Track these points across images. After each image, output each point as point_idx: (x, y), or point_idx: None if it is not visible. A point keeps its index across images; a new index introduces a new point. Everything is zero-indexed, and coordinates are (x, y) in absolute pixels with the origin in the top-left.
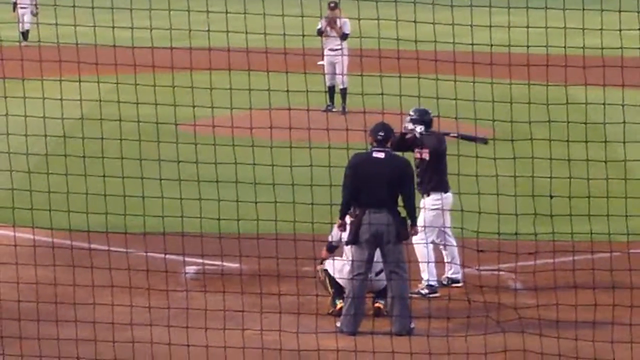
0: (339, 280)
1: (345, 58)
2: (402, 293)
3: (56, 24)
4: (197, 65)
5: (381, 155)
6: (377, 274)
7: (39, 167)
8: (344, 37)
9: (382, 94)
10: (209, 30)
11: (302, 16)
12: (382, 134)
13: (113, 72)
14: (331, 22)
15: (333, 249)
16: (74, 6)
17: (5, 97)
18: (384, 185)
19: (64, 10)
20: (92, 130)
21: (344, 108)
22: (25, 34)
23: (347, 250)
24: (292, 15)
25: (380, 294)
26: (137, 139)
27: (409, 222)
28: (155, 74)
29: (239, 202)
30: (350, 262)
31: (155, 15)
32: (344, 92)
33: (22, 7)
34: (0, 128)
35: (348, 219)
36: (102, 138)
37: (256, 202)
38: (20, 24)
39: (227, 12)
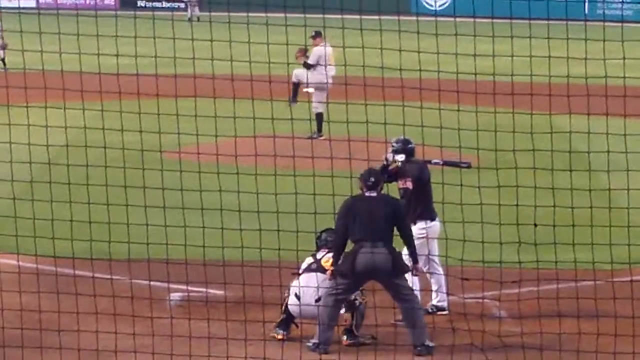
0: (291, 308)
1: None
2: (414, 317)
3: (41, 51)
4: (182, 93)
5: (374, 194)
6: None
7: (24, 193)
8: (305, 65)
9: (366, 122)
10: (193, 58)
11: (288, 44)
12: (373, 179)
13: (98, 98)
14: (301, 51)
15: None
16: (58, 33)
17: None
18: (379, 220)
19: (48, 37)
20: (77, 157)
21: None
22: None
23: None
24: (278, 43)
25: (349, 332)
26: (122, 166)
27: (408, 257)
28: (140, 100)
29: (223, 229)
30: (323, 289)
31: (140, 42)
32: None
33: None
34: None
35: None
36: (87, 165)
37: (241, 230)
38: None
39: (212, 40)
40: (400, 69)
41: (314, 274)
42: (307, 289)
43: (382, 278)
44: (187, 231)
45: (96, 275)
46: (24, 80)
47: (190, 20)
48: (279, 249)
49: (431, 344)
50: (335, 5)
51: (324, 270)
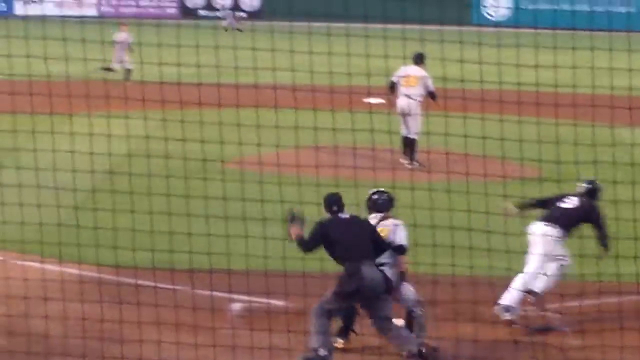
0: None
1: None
2: (403, 342)
3: (103, 60)
4: (243, 102)
5: (346, 215)
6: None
7: (86, 202)
8: (431, 95)
9: (427, 133)
10: (256, 68)
11: (349, 54)
12: (336, 208)
13: (160, 107)
14: (410, 79)
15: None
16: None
17: (53, 133)
18: (361, 239)
19: (110, 46)
20: (139, 166)
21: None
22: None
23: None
24: (338, 54)
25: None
26: (184, 176)
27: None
28: (201, 110)
29: (285, 240)
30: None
31: (202, 52)
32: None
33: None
34: (47, 164)
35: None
36: (149, 175)
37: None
38: (119, 63)
39: (273, 50)
40: (462, 80)
41: None
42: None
43: (374, 298)
44: (248, 241)
45: (158, 285)
46: (86, 88)
47: (226, 30)
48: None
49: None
50: (396, 15)
51: None
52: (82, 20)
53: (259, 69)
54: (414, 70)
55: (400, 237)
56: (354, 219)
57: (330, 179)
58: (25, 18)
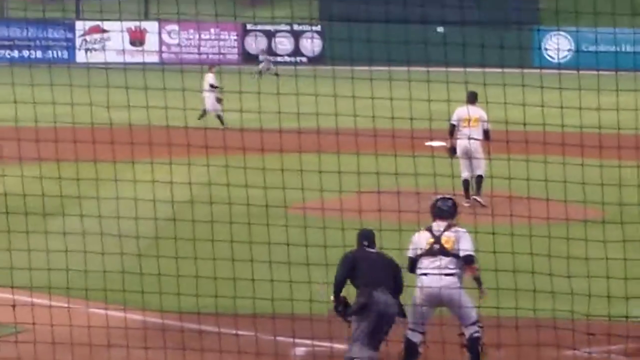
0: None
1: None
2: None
3: (165, 108)
4: (305, 148)
5: (373, 250)
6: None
7: (149, 249)
8: (486, 135)
9: (491, 177)
10: (317, 114)
11: (410, 99)
12: (366, 243)
13: (222, 153)
14: (471, 120)
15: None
16: (182, 90)
17: (116, 180)
18: (383, 269)
19: (172, 93)
20: (202, 213)
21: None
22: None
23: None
24: (401, 99)
25: None
26: (247, 222)
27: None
28: (264, 156)
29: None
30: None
31: (264, 97)
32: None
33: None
34: (110, 210)
35: None
36: (211, 221)
37: None
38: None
39: (335, 96)
40: (525, 124)
41: (438, 257)
42: (432, 269)
43: (387, 323)
44: (311, 287)
45: (222, 330)
46: (148, 135)
47: (260, 73)
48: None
49: None
50: (458, 58)
51: (446, 253)
52: (144, 67)
53: (320, 114)
54: (473, 110)
55: (467, 246)
56: (380, 254)
57: (392, 223)
58: (87, 66)
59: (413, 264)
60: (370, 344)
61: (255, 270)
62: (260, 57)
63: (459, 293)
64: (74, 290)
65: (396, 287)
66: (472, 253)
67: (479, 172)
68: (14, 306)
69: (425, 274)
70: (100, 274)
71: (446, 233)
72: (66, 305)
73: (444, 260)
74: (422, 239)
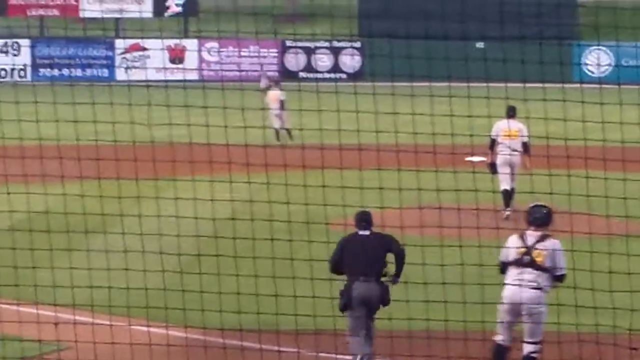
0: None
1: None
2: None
3: (207, 126)
4: (346, 164)
5: (367, 232)
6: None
7: (191, 266)
8: (525, 147)
9: (531, 192)
10: (358, 130)
11: (452, 115)
12: (364, 224)
13: (263, 170)
14: (511, 133)
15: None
16: (224, 107)
17: (157, 198)
18: (371, 259)
19: (213, 111)
20: (243, 229)
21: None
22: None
23: None
24: (442, 115)
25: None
26: (289, 239)
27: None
28: (305, 172)
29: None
30: None
31: (305, 114)
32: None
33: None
34: (152, 228)
35: None
36: (253, 238)
37: (408, 301)
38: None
39: (376, 112)
40: (566, 139)
41: (526, 269)
42: (519, 280)
43: (373, 310)
44: None
45: (264, 347)
46: (190, 152)
47: (262, 91)
48: (446, 320)
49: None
50: (498, 74)
51: (536, 266)
52: (184, 85)
53: (362, 131)
54: (513, 124)
55: (561, 263)
56: (372, 235)
57: (434, 238)
58: (127, 84)
59: (503, 267)
60: (363, 336)
61: (297, 286)
62: (261, 75)
63: (541, 309)
64: (116, 308)
65: (397, 256)
66: (563, 272)
67: (513, 185)
68: (56, 324)
69: (510, 284)
70: (142, 291)
71: (539, 245)
72: (108, 322)
73: (532, 274)
74: (513, 246)
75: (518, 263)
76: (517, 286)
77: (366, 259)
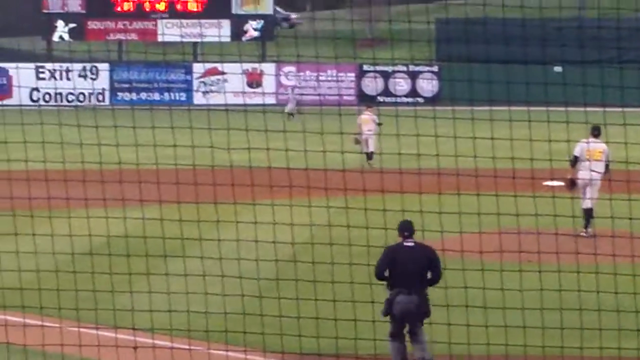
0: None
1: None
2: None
3: (286, 150)
4: (426, 189)
5: (411, 244)
6: None
7: (270, 290)
8: (606, 167)
9: (611, 217)
10: (437, 155)
11: (531, 140)
12: (407, 233)
13: (342, 194)
14: (594, 153)
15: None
16: (304, 132)
17: (237, 222)
18: (414, 270)
19: (289, 134)
20: (322, 254)
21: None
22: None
23: None
24: (520, 139)
25: None
26: (367, 263)
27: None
28: (384, 197)
29: (469, 326)
30: None
31: (383, 138)
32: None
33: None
34: (231, 252)
35: None
36: (332, 263)
37: (487, 326)
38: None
39: (455, 137)
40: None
41: None
42: None
43: (413, 323)
44: (432, 328)
45: None
46: (269, 176)
47: (289, 114)
48: (525, 345)
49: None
50: (578, 98)
51: None
52: (264, 109)
53: (441, 155)
54: (597, 144)
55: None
56: (417, 247)
57: (513, 264)
58: (206, 107)
59: None
60: (401, 341)
61: (376, 311)
62: (290, 97)
63: None
64: (195, 332)
65: (433, 277)
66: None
67: (591, 206)
68: (135, 348)
69: None
70: (221, 315)
71: None
72: (187, 347)
73: None
74: None
75: None
76: None
77: (411, 271)
